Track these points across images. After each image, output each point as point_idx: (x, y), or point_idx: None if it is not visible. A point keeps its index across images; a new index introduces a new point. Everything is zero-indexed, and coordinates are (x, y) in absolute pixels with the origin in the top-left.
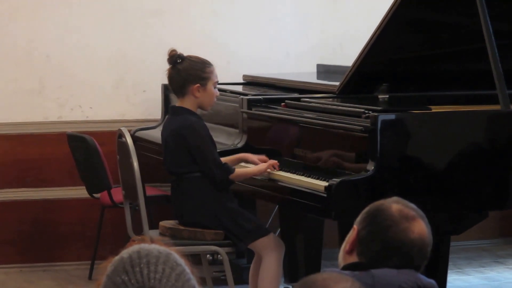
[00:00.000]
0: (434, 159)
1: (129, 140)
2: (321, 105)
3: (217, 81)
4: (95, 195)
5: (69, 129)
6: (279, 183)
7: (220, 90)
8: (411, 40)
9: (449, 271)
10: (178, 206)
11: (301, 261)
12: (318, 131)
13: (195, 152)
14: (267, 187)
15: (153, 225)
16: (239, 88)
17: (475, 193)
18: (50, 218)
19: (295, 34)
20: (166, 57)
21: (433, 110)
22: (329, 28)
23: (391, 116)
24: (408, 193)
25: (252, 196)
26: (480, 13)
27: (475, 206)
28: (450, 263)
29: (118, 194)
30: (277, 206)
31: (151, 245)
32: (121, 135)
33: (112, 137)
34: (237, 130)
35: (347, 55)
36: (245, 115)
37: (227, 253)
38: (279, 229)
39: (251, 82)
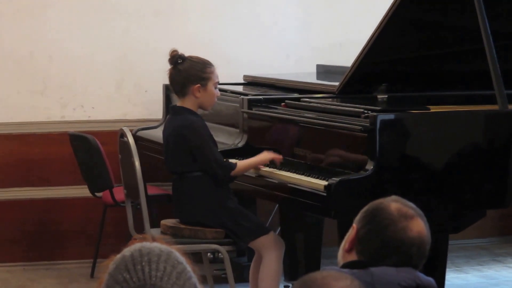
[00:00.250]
0: (433, 158)
1: (130, 139)
2: (321, 105)
3: (218, 81)
4: (97, 194)
5: (72, 129)
6: (279, 182)
7: (220, 90)
8: (410, 40)
9: (447, 270)
10: (179, 205)
11: (301, 260)
12: (318, 131)
13: (196, 151)
14: (268, 186)
15: (155, 224)
16: (240, 88)
17: (473, 192)
18: (53, 217)
19: (295, 35)
20: (167, 57)
21: (431, 110)
22: (329, 29)
23: (390, 116)
24: (406, 192)
25: (253, 195)
26: (478, 14)
27: (473, 205)
28: (448, 261)
29: (120, 193)
30: (277, 205)
31: (153, 244)
32: (123, 134)
33: (114, 136)
34: (237, 130)
35: (346, 55)
36: (245, 115)
37: (228, 251)
38: (279, 228)
39: (251, 82)
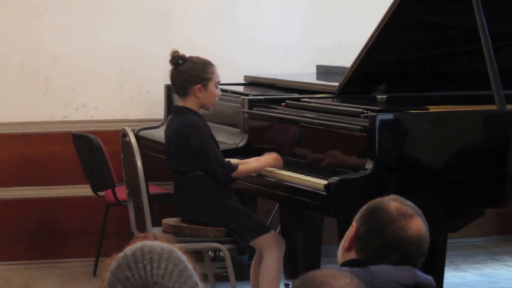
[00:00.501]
0: (431, 158)
1: (132, 139)
2: (320, 105)
3: (219, 81)
4: (99, 193)
5: (74, 129)
6: (280, 181)
7: (221, 90)
8: (409, 41)
9: (446, 268)
10: (181, 204)
11: (301, 258)
12: (318, 131)
13: (198, 151)
14: (268, 185)
15: (156, 223)
16: (240, 89)
17: (472, 191)
18: (56, 215)
19: (295, 36)
20: (169, 58)
21: (430, 110)
22: (329, 30)
23: (389, 116)
24: (405, 191)
25: (253, 194)
26: (477, 15)
27: (472, 204)
28: (447, 260)
29: (122, 192)
30: (278, 204)
31: (154, 242)
32: (125, 134)
33: (116, 136)
34: (238, 130)
35: (346, 56)
36: (246, 115)
37: (229, 250)
38: (279, 227)
39: (252, 82)
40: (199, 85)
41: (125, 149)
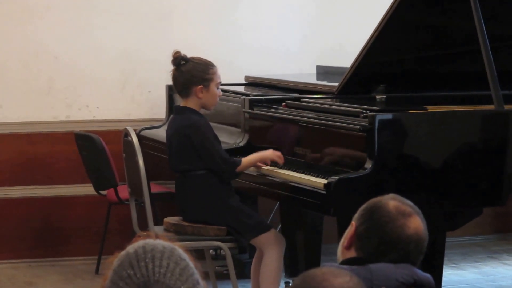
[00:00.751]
0: (430, 157)
1: (134, 139)
2: (320, 105)
3: (220, 82)
4: (102, 192)
5: (77, 128)
6: (280, 181)
7: (222, 90)
8: (408, 42)
9: (444, 266)
10: (182, 203)
11: (301, 256)
12: (318, 130)
13: (201, 150)
14: (269, 185)
15: (158, 221)
16: (241, 89)
17: (470, 190)
18: (58, 214)
19: (295, 36)
20: (170, 58)
21: (429, 110)
22: (329, 30)
23: (388, 116)
24: (404, 190)
25: (254, 193)
26: (475, 16)
27: (470, 203)
28: (445, 258)
29: (124, 191)
30: (278, 202)
31: (156, 241)
32: (127, 134)
33: (118, 136)
34: (239, 129)
35: (345, 56)
36: (247, 115)
37: (230, 248)
38: (280, 225)
39: (252, 83)
40: (201, 86)
41: (127, 148)
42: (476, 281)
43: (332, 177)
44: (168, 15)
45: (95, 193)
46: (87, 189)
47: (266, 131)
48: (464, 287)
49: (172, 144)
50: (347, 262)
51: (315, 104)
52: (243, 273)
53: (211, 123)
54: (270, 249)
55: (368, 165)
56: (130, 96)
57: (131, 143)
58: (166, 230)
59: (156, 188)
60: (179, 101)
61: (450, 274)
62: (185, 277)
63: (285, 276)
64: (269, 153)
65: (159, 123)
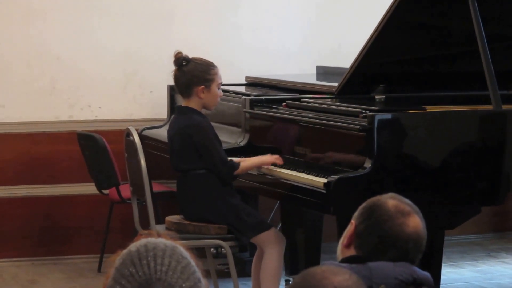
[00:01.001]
0: (429, 156)
1: (136, 138)
2: (320, 105)
3: (221, 83)
4: (104, 191)
5: (79, 128)
6: (280, 180)
7: (223, 90)
8: (407, 42)
9: (443, 264)
10: (184, 202)
11: (301, 255)
12: (318, 130)
13: (201, 150)
14: (269, 184)
15: (160, 220)
16: (242, 89)
17: (468, 190)
18: (61, 213)
19: (295, 37)
20: (172, 59)
21: (428, 110)
22: (329, 31)
23: (388, 116)
24: (403, 189)
25: (255, 192)
26: (473, 16)
27: (468, 202)
28: (444, 256)
29: (126, 190)
30: (278, 201)
31: (158, 239)
32: (129, 134)
33: (120, 135)
34: (240, 129)
35: (345, 57)
36: (247, 115)
37: (231, 246)
38: (280, 224)
39: (253, 83)
40: (202, 86)
41: (129, 148)
42: (474, 279)
43: (332, 176)
44: (170, 16)
45: (97, 192)
46: (89, 188)
47: (266, 131)
48: (462, 285)
49: (174, 144)
50: (346, 260)
51: (315, 104)
52: (243, 271)
53: (212, 123)
54: (271, 247)
55: (368, 164)
56: (132, 96)
57: (133, 142)
58: (167, 228)
59: (157, 187)
60: (181, 101)
61: (448, 272)
62: (186, 275)
63: (285, 275)
64: (268, 158)
65: (161, 123)
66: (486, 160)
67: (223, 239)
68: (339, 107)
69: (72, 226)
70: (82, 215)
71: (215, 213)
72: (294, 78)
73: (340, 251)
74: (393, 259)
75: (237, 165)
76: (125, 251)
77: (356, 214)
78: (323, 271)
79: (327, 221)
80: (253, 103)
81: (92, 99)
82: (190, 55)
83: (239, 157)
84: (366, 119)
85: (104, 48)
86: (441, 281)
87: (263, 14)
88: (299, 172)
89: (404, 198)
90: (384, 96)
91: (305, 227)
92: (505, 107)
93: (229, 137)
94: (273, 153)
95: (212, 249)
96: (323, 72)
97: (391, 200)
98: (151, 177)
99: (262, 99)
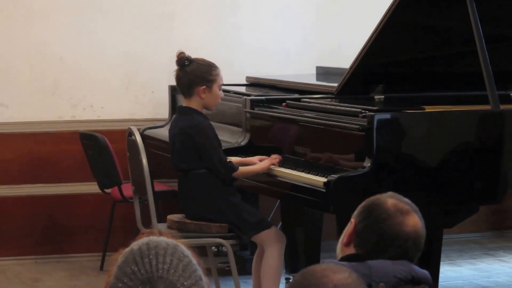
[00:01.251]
0: (428, 156)
1: (138, 138)
2: (320, 105)
3: (222, 83)
4: (106, 190)
5: (82, 128)
6: (281, 179)
7: (224, 90)
8: (406, 43)
9: (441, 263)
10: (185, 201)
11: (301, 253)
12: (318, 130)
13: (201, 150)
14: (269, 183)
15: (161, 219)
16: (243, 89)
17: (467, 189)
18: (64, 212)
19: (295, 38)
20: (174, 59)
21: (426, 110)
22: (328, 32)
23: (387, 116)
24: (402, 188)
25: (255, 191)
26: (471, 17)
27: (467, 201)
28: (442, 255)
29: (128, 189)
30: (279, 200)
31: (160, 238)
32: (130, 133)
33: (122, 135)
34: (240, 129)
35: (345, 57)
36: (248, 115)
37: (231, 245)
38: (280, 223)
39: (253, 83)
40: (204, 86)
41: (131, 147)
42: (472, 277)
43: (332, 175)
44: (171, 17)
45: (99, 191)
46: (92, 187)
47: (267, 131)
48: (460, 283)
49: (175, 144)
50: (346, 258)
51: (315, 104)
52: (244, 269)
53: (214, 123)
54: (271, 246)
55: (367, 164)
56: (133, 96)
57: (135, 142)
58: (169, 227)
59: (159, 186)
60: (182, 101)
61: (447, 271)
62: (188, 273)
63: (285, 273)
64: (267, 165)
65: (162, 123)
66: (484, 159)
67: (224, 238)
68: (338, 107)
69: (75, 224)
70: (84, 214)
71: (216, 212)
72: (294, 79)
73: (340, 249)
74: (392, 257)
75: (235, 167)
76: (127, 249)
77: (355, 213)
78: (323, 269)
79: (327, 220)
80: (254, 103)
81: (95, 99)
82: (191, 56)
83: (241, 157)
84: (365, 119)
85: (106, 49)
86: (440, 279)
87: (263, 14)
88: (299, 171)
89: (403, 197)
90: (383, 96)
91: (305, 226)
92: (503, 107)
93: (230, 137)
94: (273, 152)
95: (213, 247)
96: (323, 72)
97: (390, 199)
98: (152, 176)
99: (262, 99)
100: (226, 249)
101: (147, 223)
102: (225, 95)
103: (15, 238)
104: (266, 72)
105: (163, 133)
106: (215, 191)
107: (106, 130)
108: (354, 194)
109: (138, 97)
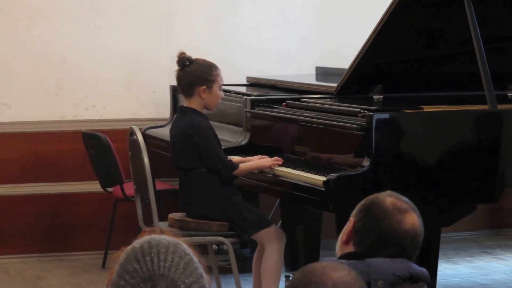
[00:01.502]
0: (426, 155)
1: (140, 137)
2: (319, 105)
3: (223, 84)
4: (108, 189)
5: (84, 128)
6: (281, 178)
7: (224, 90)
8: (405, 43)
9: (439, 261)
10: (186, 200)
11: (301, 251)
12: (317, 130)
13: (202, 150)
14: (269, 182)
15: (163, 217)
16: (243, 89)
17: (464, 187)
18: (66, 210)
19: (295, 38)
20: (175, 59)
21: (424, 110)
22: (328, 32)
23: (385, 115)
24: (401, 187)
25: (255, 190)
26: (469, 18)
27: (464, 200)
28: (440, 253)
29: (129, 188)
30: (279, 199)
31: (161, 236)
32: (132, 133)
33: (124, 135)
34: (241, 129)
35: (344, 58)
36: (248, 114)
37: (232, 243)
38: (280, 221)
39: (254, 83)
40: (204, 87)
41: (133, 147)
42: (470, 275)
43: (331, 174)
44: (171, 17)
45: (101, 190)
46: (94, 186)
47: (267, 130)
48: (458, 281)
49: (176, 143)
50: (345, 256)
51: (314, 104)
52: (244, 267)
53: (214, 122)
54: (271, 244)
55: (366, 163)
56: (135, 96)
57: (136, 141)
58: (170, 225)
59: (160, 185)
60: (183, 101)
61: (445, 268)
62: (189, 271)
63: (285, 270)
64: (266, 163)
65: (164, 123)
66: (482, 158)
67: (225, 236)
68: (338, 107)
69: (77, 223)
70: (86, 212)
71: (217, 210)
72: (294, 79)
73: (339, 247)
74: (391, 255)
75: (236, 165)
76: (129, 247)
77: (354, 211)
78: (322, 267)
79: (326, 218)
80: (254, 103)
81: (97, 99)
82: (192, 56)
83: (241, 156)
84: (364, 119)
85: (108, 50)
86: (438, 277)
87: (263, 14)
88: (299, 170)
89: (402, 195)
90: (382, 96)
91: (305, 224)
92: (500, 106)
93: (230, 136)
94: (273, 152)
95: (214, 245)
96: (322, 72)
97: (388, 198)
98: (154, 175)
99: (262, 99)
100: (226, 247)
101: (149, 222)
102: (225, 95)
103: (18, 236)
104: (266, 72)
105: (165, 132)
106: (216, 190)
107: (108, 130)
108: (353, 193)
109: (139, 97)
